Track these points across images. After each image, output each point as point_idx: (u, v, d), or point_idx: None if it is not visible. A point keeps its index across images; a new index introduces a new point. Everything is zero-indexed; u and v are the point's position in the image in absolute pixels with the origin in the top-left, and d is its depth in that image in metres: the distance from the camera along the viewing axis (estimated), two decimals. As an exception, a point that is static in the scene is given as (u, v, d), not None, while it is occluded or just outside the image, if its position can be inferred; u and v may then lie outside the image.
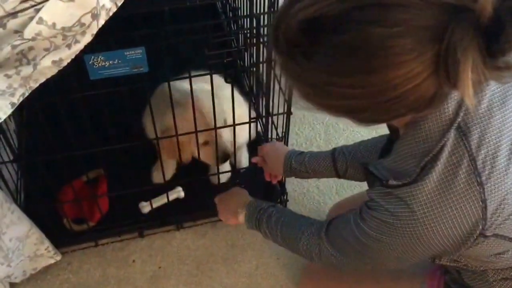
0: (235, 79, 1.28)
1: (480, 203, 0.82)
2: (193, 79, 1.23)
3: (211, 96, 1.27)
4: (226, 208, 1.36)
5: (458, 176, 0.81)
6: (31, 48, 0.87)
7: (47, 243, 1.46)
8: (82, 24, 0.87)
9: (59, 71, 0.94)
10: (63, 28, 0.85)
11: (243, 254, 1.63)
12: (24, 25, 0.83)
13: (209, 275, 1.59)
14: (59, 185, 1.58)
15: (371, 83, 0.69)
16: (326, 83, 0.73)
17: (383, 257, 0.93)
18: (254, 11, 1.41)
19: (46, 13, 0.83)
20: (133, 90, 1.21)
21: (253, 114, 1.53)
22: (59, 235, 1.54)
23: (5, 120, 0.98)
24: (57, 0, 0.82)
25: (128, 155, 1.43)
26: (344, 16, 0.67)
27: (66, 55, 0.91)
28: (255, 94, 1.67)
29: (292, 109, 1.43)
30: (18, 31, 0.84)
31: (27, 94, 0.95)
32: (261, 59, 1.35)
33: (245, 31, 1.61)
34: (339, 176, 1.33)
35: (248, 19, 1.27)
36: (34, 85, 0.94)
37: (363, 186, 1.74)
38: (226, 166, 1.67)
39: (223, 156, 1.50)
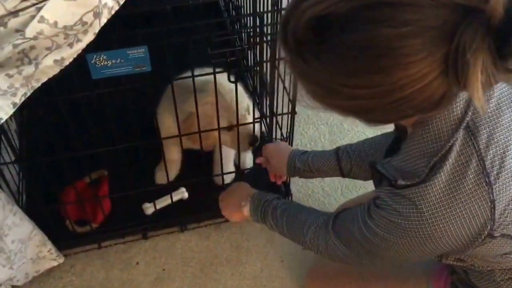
0: (239, 78, 1.27)
1: (489, 203, 0.81)
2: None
3: (229, 82, 1.26)
4: (229, 203, 1.35)
5: (466, 176, 0.81)
6: (32, 47, 0.87)
7: (49, 245, 1.45)
8: (84, 23, 0.86)
9: (61, 71, 0.93)
10: (65, 27, 0.85)
11: (247, 256, 1.62)
12: (26, 24, 0.83)
13: (214, 277, 1.58)
14: (61, 186, 1.57)
15: (379, 83, 0.69)
16: (333, 82, 0.72)
17: (390, 254, 0.93)
18: (258, 10, 1.40)
19: (47, 11, 0.82)
20: (137, 89, 1.20)
21: (257, 114, 1.52)
22: (61, 237, 1.53)
23: (6, 120, 0.98)
24: (59, -1, 0.82)
25: (131, 155, 1.42)
26: (353, 15, 0.67)
27: (68, 54, 0.90)
28: (259, 94, 1.66)
29: (297, 109, 1.42)
30: (20, 30, 0.83)
31: (29, 94, 0.94)
32: (264, 58, 1.35)
33: (249, 30, 1.60)
34: (343, 175, 1.32)
35: (251, 18, 1.26)
36: (36, 84, 0.93)
37: (368, 187, 1.74)
38: (230, 167, 1.66)
39: (253, 139, 1.45)
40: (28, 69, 0.89)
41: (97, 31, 0.89)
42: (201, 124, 1.35)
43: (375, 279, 1.26)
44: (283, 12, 0.79)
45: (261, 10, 1.47)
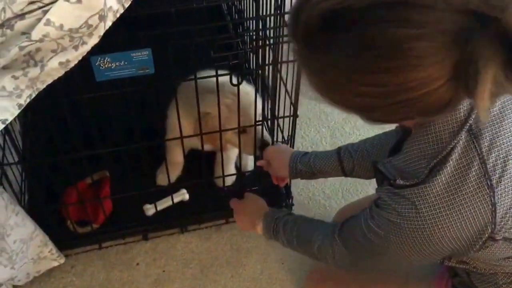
0: (242, 81, 1.28)
1: (490, 206, 0.81)
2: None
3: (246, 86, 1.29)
4: (244, 220, 1.35)
5: (468, 179, 0.81)
6: (38, 50, 0.87)
7: (50, 245, 1.45)
8: (89, 26, 0.86)
9: (65, 73, 0.93)
10: (70, 30, 0.85)
11: (247, 258, 1.63)
12: (32, 26, 0.83)
13: (214, 279, 1.58)
14: (63, 187, 1.57)
15: (386, 83, 0.68)
16: (340, 77, 0.71)
17: (392, 256, 0.93)
18: (260, 13, 1.41)
19: (53, 14, 0.82)
20: (140, 91, 1.20)
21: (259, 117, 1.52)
22: (62, 238, 1.53)
23: (10, 121, 0.98)
24: (65, 2, 0.82)
25: (132, 157, 1.42)
26: (368, 11, 0.65)
27: (73, 56, 0.91)
28: (261, 97, 1.66)
29: (299, 112, 1.43)
30: (26, 33, 0.84)
31: (34, 95, 0.94)
32: (267, 61, 1.35)
33: (251, 33, 1.61)
34: (345, 175, 1.32)
35: (254, 21, 1.27)
36: (41, 86, 0.94)
37: (369, 190, 1.75)
38: (231, 169, 1.66)
39: (263, 142, 1.46)
40: (34, 71, 0.89)
41: (102, 34, 0.90)
42: (215, 125, 1.36)
43: (376, 282, 1.26)
44: (294, 2, 0.77)
45: (264, 13, 1.48)
